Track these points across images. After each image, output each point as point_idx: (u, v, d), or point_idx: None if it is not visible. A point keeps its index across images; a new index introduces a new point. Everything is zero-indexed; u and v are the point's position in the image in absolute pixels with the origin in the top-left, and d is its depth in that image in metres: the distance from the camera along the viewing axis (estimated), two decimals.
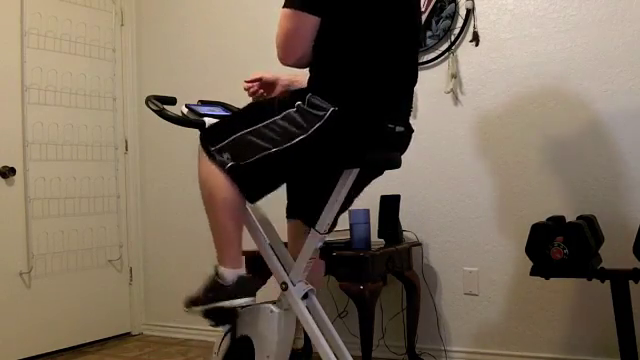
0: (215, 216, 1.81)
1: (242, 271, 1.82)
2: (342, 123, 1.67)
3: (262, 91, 2.02)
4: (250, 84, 2.04)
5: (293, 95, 1.76)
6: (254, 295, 1.85)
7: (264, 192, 1.81)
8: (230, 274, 1.79)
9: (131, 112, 3.75)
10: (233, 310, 1.80)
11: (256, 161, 1.71)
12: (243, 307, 1.83)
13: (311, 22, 1.67)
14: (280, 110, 1.72)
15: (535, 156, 2.68)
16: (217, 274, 1.80)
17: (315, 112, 1.67)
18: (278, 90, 2.01)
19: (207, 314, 1.79)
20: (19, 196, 3.16)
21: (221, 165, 1.75)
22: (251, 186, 1.78)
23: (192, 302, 1.83)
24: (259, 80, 2.03)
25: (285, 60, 1.74)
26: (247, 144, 1.73)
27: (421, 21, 1.95)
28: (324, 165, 1.79)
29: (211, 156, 1.77)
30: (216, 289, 1.79)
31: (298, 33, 1.69)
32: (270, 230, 2.02)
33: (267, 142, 1.70)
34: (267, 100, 1.81)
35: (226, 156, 1.74)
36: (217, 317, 1.81)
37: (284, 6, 1.68)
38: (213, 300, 1.78)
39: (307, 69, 1.87)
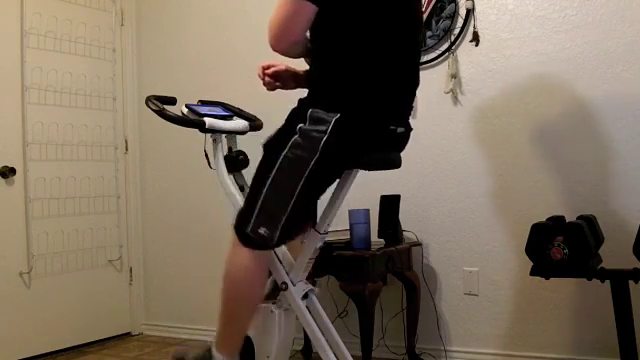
0: (232, 309, 1.80)
1: None
2: (346, 128, 1.66)
3: (279, 83, 1.97)
4: (265, 75, 1.96)
5: (292, 118, 1.74)
6: None
7: (305, 222, 1.83)
8: None
9: (131, 112, 3.75)
10: None
11: (288, 215, 1.70)
12: None
13: (308, 10, 1.65)
14: (285, 142, 1.70)
15: (535, 156, 2.68)
16: (211, 355, 1.82)
17: (318, 128, 1.66)
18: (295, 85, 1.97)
19: None
20: (19, 196, 3.16)
21: (265, 244, 1.73)
22: (294, 230, 1.79)
23: None
24: (284, 71, 1.95)
25: (276, 46, 1.70)
26: (274, 201, 1.70)
27: (422, 21, 1.94)
28: (332, 170, 1.79)
29: (249, 241, 1.73)
30: None
31: (293, 20, 1.66)
32: None
33: (289, 183, 1.68)
34: (272, 137, 1.78)
35: (264, 231, 1.71)
36: None
37: None
38: None
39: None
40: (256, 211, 1.71)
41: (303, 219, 1.80)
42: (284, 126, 1.75)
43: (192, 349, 1.97)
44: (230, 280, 1.77)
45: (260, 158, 1.78)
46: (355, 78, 1.69)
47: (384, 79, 1.72)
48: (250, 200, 1.75)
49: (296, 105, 1.77)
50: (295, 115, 1.73)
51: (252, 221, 1.72)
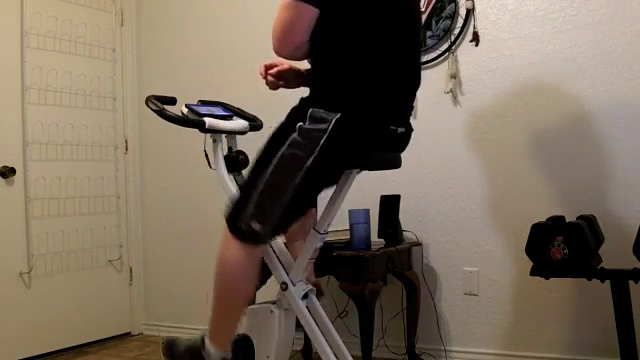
0: (224, 301, 1.81)
1: (227, 355, 1.83)
2: (346, 128, 1.66)
3: (281, 82, 1.96)
4: (269, 75, 1.95)
5: (293, 116, 1.74)
6: None
7: (295, 220, 1.82)
8: (216, 354, 1.81)
9: (131, 112, 3.75)
10: None
11: (282, 212, 1.70)
12: None
13: (309, 13, 1.65)
14: (284, 139, 1.70)
15: (535, 156, 2.68)
16: (204, 346, 1.82)
17: (318, 127, 1.66)
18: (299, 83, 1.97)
19: None
20: (19, 196, 3.16)
21: (256, 239, 1.72)
22: (285, 226, 1.78)
23: (170, 353, 1.88)
24: (288, 71, 1.95)
25: (279, 51, 1.72)
26: (269, 198, 1.70)
27: (421, 21, 1.94)
28: (333, 170, 1.79)
29: (242, 234, 1.72)
30: (197, 359, 1.82)
31: (296, 24, 1.67)
32: None
33: (286, 178, 1.68)
34: (269, 139, 1.77)
35: (256, 226, 1.70)
36: None
37: None
38: None
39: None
40: (250, 205, 1.71)
41: (297, 216, 1.80)
42: (283, 123, 1.75)
43: (184, 338, 1.96)
44: (222, 272, 1.77)
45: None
46: (356, 78, 1.70)
47: (384, 79, 1.72)
48: (244, 194, 1.74)
49: (297, 104, 1.77)
50: (295, 113, 1.73)
51: (245, 215, 1.71)
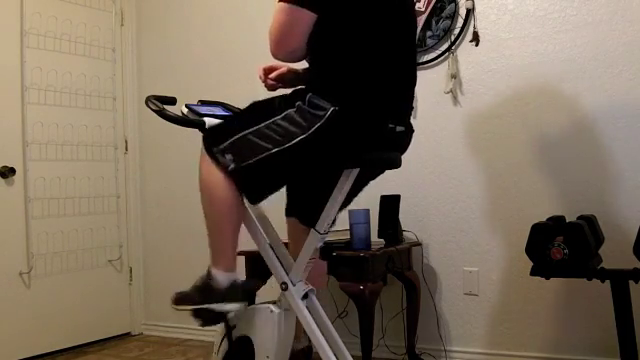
0: (213, 217, 1.80)
1: (235, 275, 1.82)
2: (342, 123, 1.66)
3: (280, 84, 1.97)
4: (268, 78, 1.97)
5: (293, 94, 1.76)
6: (246, 301, 1.83)
7: (266, 193, 1.81)
8: (223, 277, 1.79)
9: (131, 112, 3.75)
10: (223, 314, 1.79)
11: (257, 162, 1.71)
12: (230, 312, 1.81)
13: (307, 18, 1.66)
14: (281, 110, 1.72)
15: (535, 156, 2.68)
16: (210, 276, 1.80)
17: (315, 112, 1.66)
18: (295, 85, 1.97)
19: (196, 314, 1.80)
20: (19, 196, 3.16)
21: (224, 166, 1.74)
22: (253, 187, 1.78)
23: (181, 300, 1.84)
24: (287, 73, 1.96)
25: (277, 54, 1.73)
26: (248, 145, 1.72)
27: (416, 20, 1.94)
28: (324, 165, 1.79)
29: (214, 157, 1.76)
30: (207, 290, 1.79)
31: (293, 28, 1.68)
32: (270, 230, 2.02)
33: (268, 142, 1.70)
34: (267, 100, 1.80)
35: (229, 157, 1.74)
36: (206, 318, 1.80)
37: (280, 0, 1.67)
38: (203, 301, 1.78)
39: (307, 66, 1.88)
40: (229, 140, 1.75)
41: (264, 183, 1.79)
42: (283, 96, 1.76)
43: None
44: (204, 188, 1.79)
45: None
46: (353, 78, 1.70)
47: (381, 77, 1.73)
48: (229, 128, 1.78)
49: (297, 89, 1.80)
50: (296, 94, 1.74)
51: (222, 146, 1.75)
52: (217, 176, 1.76)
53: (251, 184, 1.77)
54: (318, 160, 1.75)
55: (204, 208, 1.82)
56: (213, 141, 1.79)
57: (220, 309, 1.76)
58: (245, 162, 1.72)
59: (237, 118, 1.87)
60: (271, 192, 1.82)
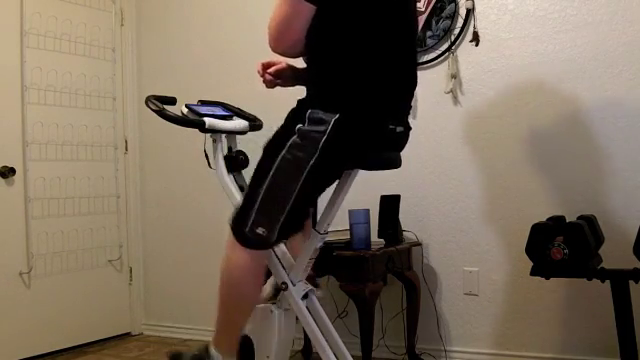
0: (232, 311, 1.81)
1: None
2: (345, 129, 1.66)
3: (279, 81, 1.95)
4: (267, 73, 1.94)
5: (291, 118, 1.73)
6: None
7: (302, 224, 1.82)
8: None
9: (131, 112, 3.74)
10: None
11: (287, 213, 1.69)
12: None
13: (306, 11, 1.65)
14: (284, 142, 1.69)
15: (535, 156, 2.68)
16: (208, 354, 1.82)
17: (317, 129, 1.65)
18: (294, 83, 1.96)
19: None
20: (19, 196, 3.16)
21: (262, 242, 1.72)
22: (291, 230, 1.77)
23: None
24: (286, 69, 1.94)
25: (275, 48, 1.72)
26: (272, 202, 1.69)
27: (417, 19, 1.93)
28: (333, 171, 1.79)
29: (246, 240, 1.73)
30: None
31: (293, 21, 1.67)
32: None
33: (287, 184, 1.68)
34: (270, 139, 1.77)
35: (261, 230, 1.70)
36: None
37: None
38: None
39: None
40: (254, 211, 1.71)
41: (302, 218, 1.80)
42: (282, 127, 1.74)
43: (189, 348, 1.97)
44: (227, 279, 1.77)
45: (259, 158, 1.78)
46: (353, 78, 1.69)
47: (382, 78, 1.72)
48: (248, 200, 1.74)
49: (295, 106, 1.77)
50: (294, 115, 1.73)
51: (250, 221, 1.71)
52: (248, 268, 1.74)
53: (289, 229, 1.75)
54: (329, 170, 1.75)
55: (225, 296, 1.79)
56: (240, 221, 1.74)
57: None
58: (279, 222, 1.69)
59: (250, 186, 1.79)
60: (306, 219, 1.83)
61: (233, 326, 1.82)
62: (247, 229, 1.71)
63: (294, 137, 1.68)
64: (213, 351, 1.82)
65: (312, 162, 1.65)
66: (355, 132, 1.68)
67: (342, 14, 1.67)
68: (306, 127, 1.67)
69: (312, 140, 1.65)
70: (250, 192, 1.75)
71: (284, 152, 1.68)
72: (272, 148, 1.72)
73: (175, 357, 1.94)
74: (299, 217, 1.77)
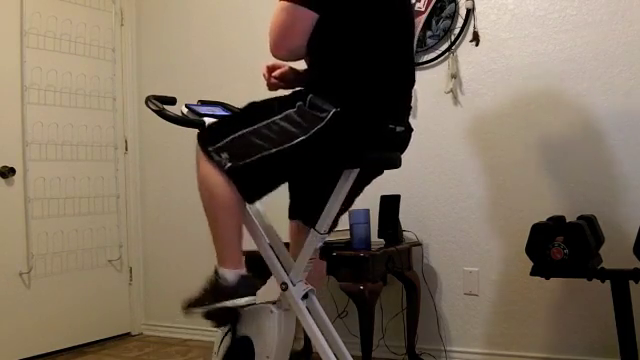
0: (215, 216, 1.80)
1: (243, 271, 1.81)
2: (344, 124, 1.66)
3: (282, 84, 1.96)
4: (270, 75, 1.95)
5: (294, 95, 1.75)
6: (255, 294, 1.84)
7: (262, 193, 1.80)
8: (231, 274, 1.78)
9: (131, 112, 3.75)
10: (235, 310, 1.79)
11: (255, 161, 1.70)
12: (244, 307, 1.82)
13: (308, 17, 1.65)
14: (280, 110, 1.71)
15: (535, 156, 2.68)
16: (217, 275, 1.79)
17: (316, 113, 1.66)
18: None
19: (209, 315, 1.79)
20: (19, 196, 3.16)
21: (219, 165, 1.73)
22: (249, 186, 1.77)
23: (192, 304, 1.82)
24: (289, 73, 1.94)
25: (276, 52, 1.72)
26: (246, 144, 1.71)
27: (414, 20, 1.94)
28: (325, 165, 1.79)
29: (209, 156, 1.75)
30: (217, 290, 1.77)
31: (294, 27, 1.67)
32: (270, 230, 2.02)
33: (266, 142, 1.69)
34: (267, 100, 1.80)
35: (224, 156, 1.72)
36: (219, 318, 1.80)
37: None
38: (215, 301, 1.76)
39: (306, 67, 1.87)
40: (226, 139, 1.73)
41: (263, 181, 1.77)
42: (283, 96, 1.75)
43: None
44: (204, 192, 1.78)
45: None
46: (353, 77, 1.69)
47: (381, 78, 1.72)
48: (228, 127, 1.76)
49: (297, 89, 1.79)
50: (296, 95, 1.73)
51: (218, 144, 1.73)
52: (215, 175, 1.74)
53: (248, 183, 1.75)
54: (318, 160, 1.74)
55: (204, 206, 1.81)
56: (208, 140, 1.77)
57: (233, 305, 1.75)
58: (242, 161, 1.71)
59: (234, 117, 1.86)
60: (268, 191, 1.80)
61: (229, 237, 1.80)
62: (212, 148, 1.74)
63: (292, 110, 1.69)
64: (220, 269, 1.79)
65: (301, 139, 1.65)
66: (353, 128, 1.68)
67: (343, 17, 1.67)
68: (306, 107, 1.67)
69: (309, 121, 1.66)
70: (232, 122, 1.78)
71: (277, 118, 1.69)
72: (267, 107, 1.73)
73: (187, 299, 1.88)
74: (259, 176, 1.75)
